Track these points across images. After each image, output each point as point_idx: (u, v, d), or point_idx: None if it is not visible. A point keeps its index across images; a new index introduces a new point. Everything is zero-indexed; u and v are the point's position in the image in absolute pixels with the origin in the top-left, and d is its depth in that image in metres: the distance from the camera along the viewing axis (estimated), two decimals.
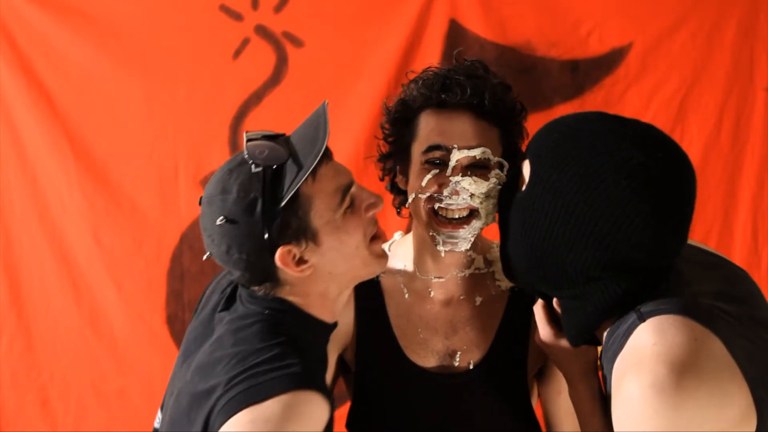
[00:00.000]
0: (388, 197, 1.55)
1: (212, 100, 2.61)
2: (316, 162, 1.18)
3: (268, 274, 1.24)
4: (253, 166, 1.20)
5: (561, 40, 2.54)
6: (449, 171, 1.35)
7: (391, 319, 1.51)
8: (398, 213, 1.54)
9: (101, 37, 2.57)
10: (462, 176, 1.35)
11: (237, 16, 2.58)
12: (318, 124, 1.23)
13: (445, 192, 1.36)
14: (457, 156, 1.35)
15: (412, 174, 1.41)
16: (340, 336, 1.52)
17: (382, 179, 1.53)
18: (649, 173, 1.10)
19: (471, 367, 1.46)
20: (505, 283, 1.49)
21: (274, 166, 1.20)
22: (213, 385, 1.20)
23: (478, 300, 1.49)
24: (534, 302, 1.43)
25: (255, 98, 2.60)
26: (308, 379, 1.17)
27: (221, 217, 1.20)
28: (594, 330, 1.22)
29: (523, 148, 1.47)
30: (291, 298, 1.28)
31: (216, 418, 1.16)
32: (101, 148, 2.63)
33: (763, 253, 2.62)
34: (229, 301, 1.34)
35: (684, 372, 1.01)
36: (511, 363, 1.47)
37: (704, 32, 2.51)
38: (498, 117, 1.38)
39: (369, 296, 1.53)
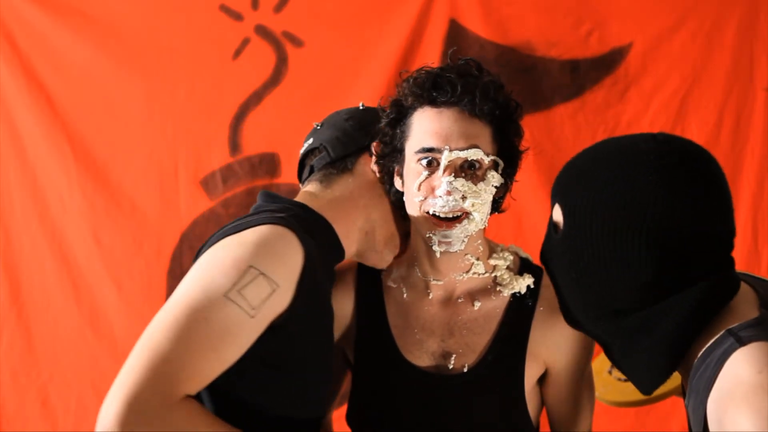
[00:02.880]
0: None
1: (212, 100, 2.61)
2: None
3: (350, 153, 1.42)
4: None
5: (561, 40, 2.54)
6: (441, 171, 1.35)
7: (389, 317, 1.50)
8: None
9: (101, 37, 2.57)
10: (455, 177, 1.34)
11: (237, 16, 2.58)
12: None
13: (438, 192, 1.35)
14: (448, 157, 1.34)
15: (406, 174, 1.41)
16: (339, 325, 1.51)
17: (381, 182, 1.52)
18: (672, 161, 1.08)
19: (465, 370, 1.45)
20: (507, 290, 1.48)
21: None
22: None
23: (477, 304, 1.48)
24: (533, 310, 1.44)
25: (255, 98, 2.60)
26: (284, 220, 1.23)
27: (361, 104, 1.49)
28: (681, 356, 1.13)
29: (520, 146, 1.46)
30: (323, 202, 1.38)
31: (200, 255, 1.24)
32: (101, 148, 2.63)
33: (763, 253, 2.62)
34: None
35: None
36: (507, 369, 1.46)
37: (704, 32, 2.52)
38: (491, 115, 1.37)
39: (369, 292, 1.53)
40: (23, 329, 2.68)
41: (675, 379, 1.51)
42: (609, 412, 2.62)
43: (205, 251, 1.24)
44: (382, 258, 1.48)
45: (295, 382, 1.29)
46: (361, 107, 1.50)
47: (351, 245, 1.43)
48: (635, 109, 2.55)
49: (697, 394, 1.09)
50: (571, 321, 1.26)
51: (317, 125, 1.48)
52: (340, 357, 1.58)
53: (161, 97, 2.60)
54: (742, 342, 1.03)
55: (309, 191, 1.42)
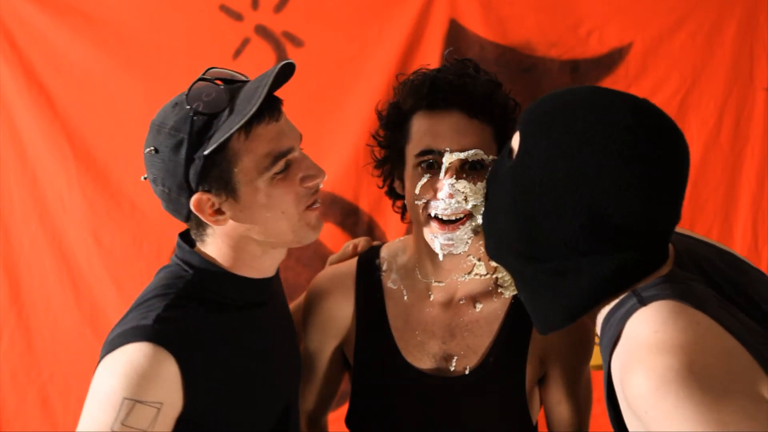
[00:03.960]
0: (385, 200, 1.55)
1: None
2: (242, 122, 1.17)
3: (188, 214, 1.27)
4: (188, 108, 1.22)
5: (561, 40, 2.54)
6: (442, 174, 1.34)
7: (389, 319, 1.50)
8: (402, 219, 1.53)
9: (101, 37, 2.57)
10: (456, 179, 1.34)
11: (237, 16, 2.58)
12: (263, 81, 1.21)
13: (440, 195, 1.34)
14: (449, 159, 1.34)
15: (407, 178, 1.40)
16: (338, 327, 1.52)
17: (381, 187, 1.52)
18: (637, 137, 1.07)
19: (467, 372, 1.45)
20: (509, 291, 1.48)
21: (207, 114, 1.21)
22: None
23: (479, 306, 1.48)
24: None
25: None
26: (149, 330, 1.19)
27: (150, 148, 1.24)
28: (585, 312, 1.16)
29: None
30: (212, 253, 1.30)
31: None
32: (101, 148, 2.63)
33: (763, 252, 2.62)
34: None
35: (692, 357, 0.96)
36: (508, 371, 1.46)
37: (704, 32, 2.52)
38: (490, 114, 1.37)
39: (370, 294, 1.52)
40: (23, 329, 2.68)
41: None
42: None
43: (109, 337, 1.24)
44: (299, 239, 1.32)
45: (245, 419, 1.31)
46: (146, 151, 1.27)
47: (257, 263, 1.33)
48: None
49: (604, 350, 1.11)
50: (491, 249, 1.26)
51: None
52: (338, 359, 1.57)
53: (161, 97, 2.56)
54: (643, 302, 1.06)
55: (196, 237, 1.34)
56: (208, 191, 1.22)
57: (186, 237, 1.37)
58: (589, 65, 2.55)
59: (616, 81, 2.55)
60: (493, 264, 1.49)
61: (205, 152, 1.19)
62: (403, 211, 1.50)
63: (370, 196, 2.62)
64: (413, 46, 2.55)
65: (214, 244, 1.30)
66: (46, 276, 2.67)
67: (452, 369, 1.46)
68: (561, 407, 1.52)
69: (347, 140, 2.56)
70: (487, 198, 1.28)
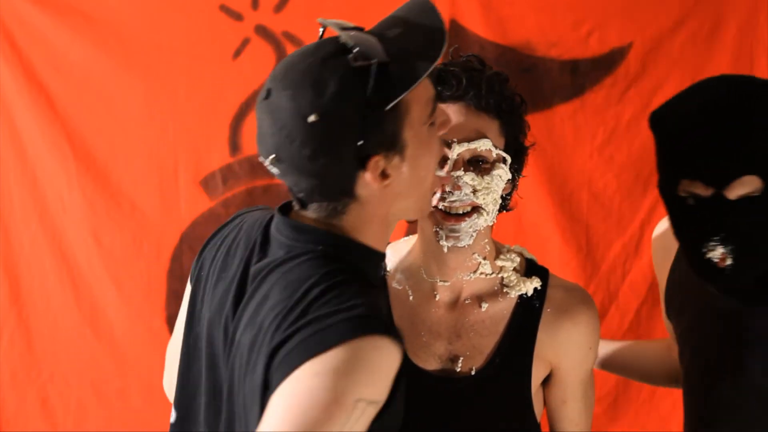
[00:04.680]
0: None
1: (212, 100, 2.60)
2: (432, 68, 1.06)
3: (344, 188, 1.11)
4: (353, 59, 1.07)
5: (561, 40, 2.53)
6: (450, 166, 1.35)
7: (395, 320, 1.50)
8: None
9: (101, 37, 2.57)
10: (464, 171, 1.34)
11: (237, 16, 2.58)
12: (430, 20, 1.11)
13: (447, 188, 1.35)
14: (457, 150, 1.34)
15: None
16: None
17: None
18: None
19: (473, 372, 1.45)
20: (514, 291, 1.48)
21: (379, 63, 1.06)
22: (268, 332, 1.06)
23: (485, 306, 1.48)
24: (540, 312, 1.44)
25: (255, 98, 2.59)
26: (374, 321, 1.04)
27: (314, 115, 1.05)
28: None
29: (525, 143, 1.46)
30: (346, 226, 1.15)
31: (276, 370, 1.03)
32: (101, 148, 2.63)
33: None
34: (263, 249, 1.19)
35: None
36: (514, 371, 1.46)
37: (704, 32, 2.51)
38: (497, 108, 1.37)
39: None
40: (23, 329, 2.68)
41: None
42: (609, 412, 2.63)
43: (283, 351, 1.03)
44: (422, 208, 1.26)
45: None
46: (310, 120, 1.08)
47: (386, 235, 1.23)
48: (635, 109, 2.55)
49: None
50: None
51: (271, 159, 1.13)
52: None
53: (161, 97, 2.60)
54: None
55: (325, 221, 1.17)
56: (379, 153, 1.09)
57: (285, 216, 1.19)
58: (589, 65, 2.55)
59: (616, 81, 2.54)
60: (499, 263, 1.49)
61: (388, 107, 1.06)
62: None
63: None
64: None
65: (354, 219, 1.15)
66: (46, 276, 2.66)
67: (458, 370, 1.45)
68: (565, 407, 1.52)
69: None
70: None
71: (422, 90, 1.12)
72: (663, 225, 1.70)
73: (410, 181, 1.15)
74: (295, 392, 1.00)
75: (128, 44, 2.57)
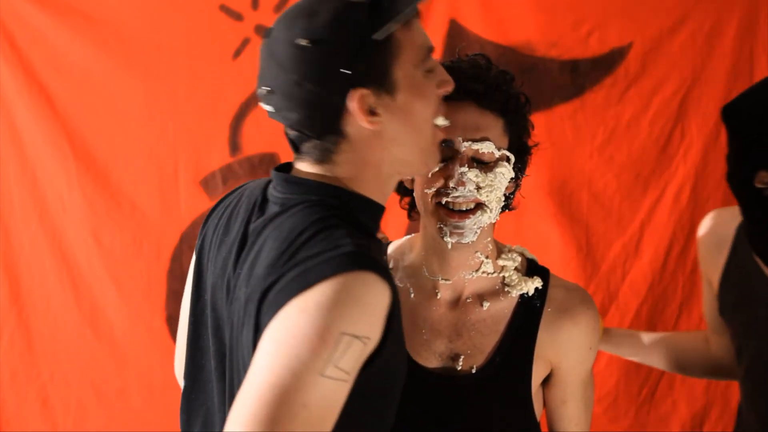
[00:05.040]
0: (394, 194, 1.55)
1: (212, 100, 2.61)
2: (416, 2, 1.09)
3: (332, 123, 1.13)
4: None
5: (561, 40, 2.54)
6: (453, 164, 1.36)
7: None
8: (410, 217, 1.52)
9: (101, 37, 2.57)
10: (468, 168, 1.35)
11: (237, 16, 2.58)
12: None
13: (451, 183, 1.35)
14: (461, 148, 1.35)
15: None
16: None
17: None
18: None
19: (473, 371, 1.45)
20: (516, 290, 1.48)
21: None
22: (259, 281, 1.08)
23: (486, 305, 1.48)
24: (540, 312, 1.44)
25: (255, 98, 2.60)
26: (361, 257, 1.04)
27: (305, 40, 1.09)
28: None
29: (530, 142, 1.46)
30: (339, 175, 1.16)
31: (265, 314, 1.05)
32: (101, 148, 2.63)
33: None
34: (262, 208, 1.21)
35: None
36: (514, 370, 1.46)
37: (704, 32, 2.51)
38: (502, 106, 1.38)
39: None
40: (23, 329, 2.68)
41: None
42: (609, 412, 2.63)
43: (273, 293, 1.05)
44: (426, 162, 1.25)
45: (386, 407, 1.20)
46: (299, 42, 1.11)
47: (384, 187, 1.23)
48: (635, 109, 2.55)
49: None
50: None
51: (266, 90, 1.16)
52: None
53: (161, 97, 2.60)
54: None
55: (316, 173, 1.18)
56: (368, 86, 1.11)
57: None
58: (589, 65, 2.55)
59: (616, 81, 2.55)
60: (500, 262, 1.49)
61: (378, 36, 1.09)
62: (410, 208, 1.50)
63: None
64: None
65: (346, 165, 1.16)
66: (46, 276, 2.67)
67: (459, 368, 1.46)
68: (565, 407, 1.52)
69: None
70: None
71: (414, 33, 1.15)
72: (709, 223, 1.72)
73: (403, 126, 1.16)
74: (281, 329, 1.01)
75: (128, 44, 2.58)
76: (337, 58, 1.10)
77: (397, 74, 1.13)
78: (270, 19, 2.57)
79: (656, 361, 1.94)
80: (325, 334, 0.98)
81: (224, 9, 2.58)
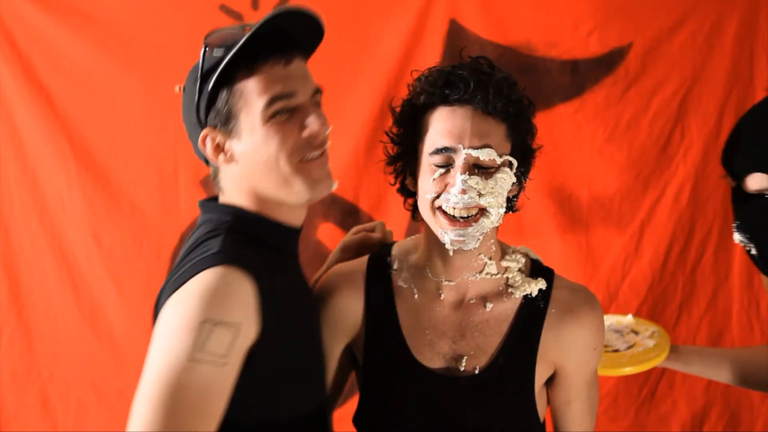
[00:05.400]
0: (385, 200, 1.55)
1: None
2: (230, 55, 1.22)
3: (201, 154, 1.33)
4: (204, 43, 1.28)
5: (561, 40, 2.53)
6: (455, 170, 1.35)
7: (399, 318, 1.49)
8: (413, 218, 1.52)
9: (101, 37, 2.57)
10: (469, 175, 1.34)
11: (237, 16, 2.58)
12: (271, 15, 1.26)
13: (453, 191, 1.35)
14: (463, 155, 1.34)
15: (420, 174, 1.41)
16: (347, 325, 1.51)
17: (393, 184, 1.52)
18: None
19: (476, 372, 1.45)
20: (519, 292, 1.48)
21: (215, 49, 1.26)
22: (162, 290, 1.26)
23: (489, 306, 1.48)
24: (544, 313, 1.44)
25: None
26: (223, 255, 1.19)
27: (181, 86, 1.33)
28: None
29: (533, 145, 1.46)
30: (225, 193, 1.34)
31: (156, 316, 1.23)
32: (101, 148, 2.63)
33: None
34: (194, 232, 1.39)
35: None
36: (518, 371, 1.46)
37: (704, 32, 2.51)
38: (504, 112, 1.37)
39: (379, 292, 1.52)
40: (23, 329, 2.68)
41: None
42: (609, 412, 2.63)
43: (162, 300, 1.22)
44: (296, 193, 1.33)
45: (293, 387, 1.29)
46: (176, 89, 1.39)
47: (292, 213, 1.36)
48: (635, 109, 2.55)
49: None
50: None
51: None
52: (346, 356, 1.57)
53: (161, 97, 2.60)
54: None
55: (220, 195, 1.39)
56: (215, 127, 1.29)
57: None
58: (589, 65, 2.55)
59: (616, 81, 2.54)
60: (504, 264, 1.49)
61: (210, 83, 1.25)
62: (414, 209, 1.50)
63: (370, 197, 2.62)
64: (413, 47, 2.55)
65: (232, 191, 1.33)
66: (46, 276, 2.67)
67: (462, 369, 1.45)
68: (570, 408, 1.52)
69: (347, 140, 2.56)
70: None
71: (260, 82, 1.26)
72: None
73: (253, 163, 1.28)
74: (158, 326, 1.18)
75: (128, 44, 2.58)
76: (191, 101, 1.30)
77: (240, 117, 1.27)
78: None
79: (725, 377, 1.94)
80: (186, 321, 1.12)
81: (224, 9, 2.58)
